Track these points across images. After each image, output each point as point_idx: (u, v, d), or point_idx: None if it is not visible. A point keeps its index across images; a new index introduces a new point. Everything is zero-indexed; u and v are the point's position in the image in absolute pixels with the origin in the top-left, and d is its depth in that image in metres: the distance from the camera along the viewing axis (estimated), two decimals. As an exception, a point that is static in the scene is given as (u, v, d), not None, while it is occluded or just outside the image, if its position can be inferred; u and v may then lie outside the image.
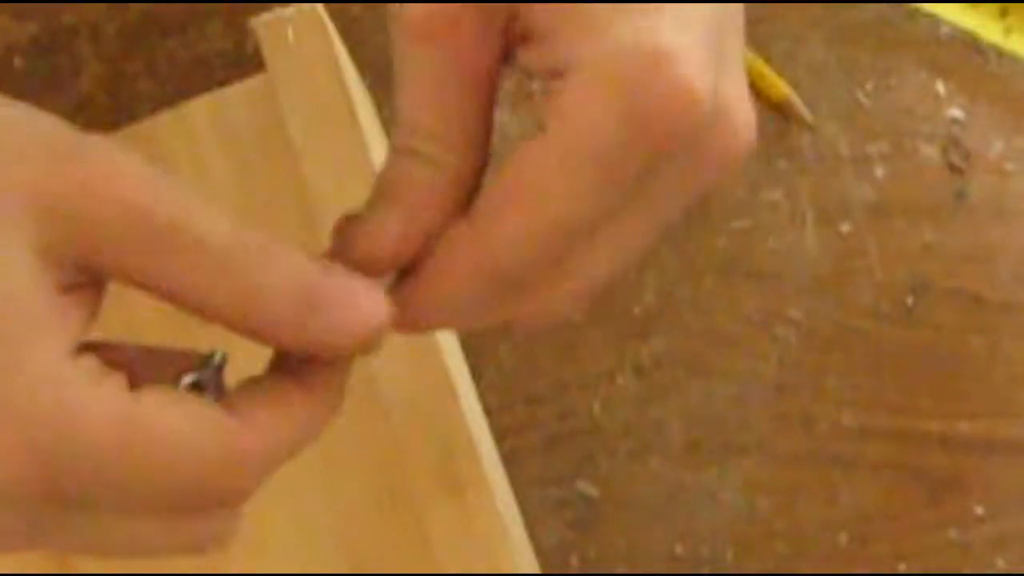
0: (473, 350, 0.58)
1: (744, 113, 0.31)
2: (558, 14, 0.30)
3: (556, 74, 0.30)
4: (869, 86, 0.60)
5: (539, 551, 0.56)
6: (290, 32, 0.49)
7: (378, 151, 0.50)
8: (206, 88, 0.53)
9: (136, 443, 0.27)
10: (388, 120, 0.59)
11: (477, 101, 0.31)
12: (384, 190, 0.31)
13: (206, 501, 0.29)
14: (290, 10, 0.50)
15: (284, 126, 0.49)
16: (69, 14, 0.62)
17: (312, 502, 0.50)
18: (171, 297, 0.29)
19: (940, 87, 0.60)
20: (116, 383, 0.28)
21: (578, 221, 0.30)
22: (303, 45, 0.49)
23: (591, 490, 0.57)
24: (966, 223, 0.59)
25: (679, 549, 0.57)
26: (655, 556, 0.57)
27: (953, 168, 0.60)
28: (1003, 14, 0.60)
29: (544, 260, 0.30)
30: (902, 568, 0.56)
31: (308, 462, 0.50)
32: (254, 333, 0.29)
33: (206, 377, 0.30)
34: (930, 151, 0.60)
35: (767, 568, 0.56)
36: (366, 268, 0.31)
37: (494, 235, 0.30)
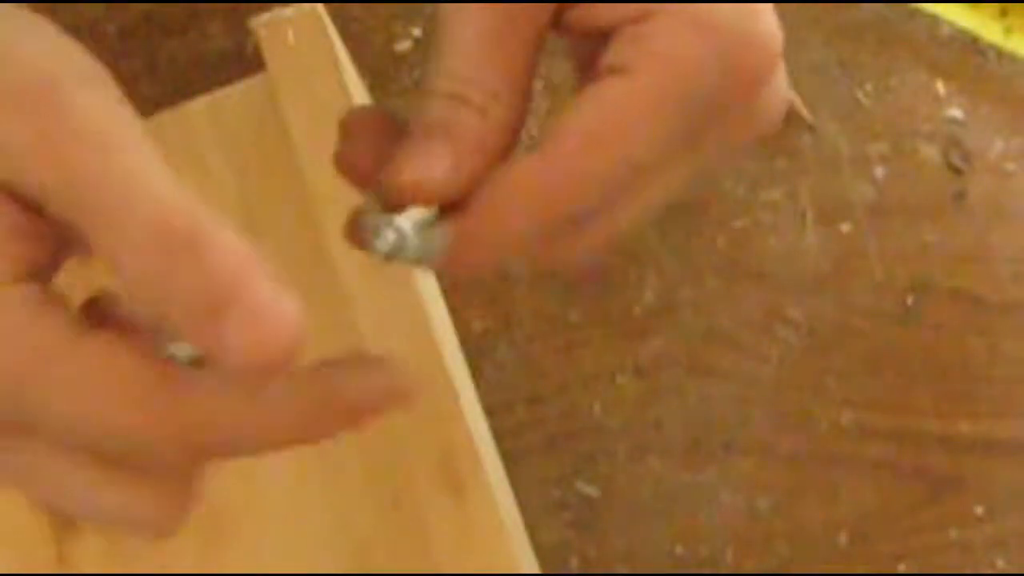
0: (473, 350, 0.58)
1: (781, 74, 0.32)
2: None
3: (635, 20, 0.30)
4: (869, 86, 0.60)
5: (539, 551, 0.56)
6: (290, 32, 0.49)
7: (378, 151, 0.50)
8: (206, 88, 0.53)
9: (54, 375, 0.26)
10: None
11: (530, 59, 0.32)
12: (431, 129, 0.31)
13: (131, 454, 0.28)
14: (290, 10, 0.50)
15: (284, 126, 0.49)
16: (69, 14, 0.61)
17: (312, 502, 0.50)
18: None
19: (940, 87, 0.60)
20: (56, 315, 0.27)
21: (651, 161, 0.30)
22: (303, 45, 0.49)
23: (591, 490, 0.57)
24: (966, 223, 0.59)
25: (679, 549, 0.57)
26: (655, 556, 0.57)
27: (953, 168, 0.60)
28: (1003, 14, 0.60)
29: (608, 198, 0.31)
30: (902, 568, 0.56)
31: (308, 462, 0.50)
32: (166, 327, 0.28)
33: (188, 352, 0.29)
34: (930, 151, 0.60)
35: (767, 568, 0.56)
36: (409, 195, 0.31)
37: (569, 170, 0.30)
